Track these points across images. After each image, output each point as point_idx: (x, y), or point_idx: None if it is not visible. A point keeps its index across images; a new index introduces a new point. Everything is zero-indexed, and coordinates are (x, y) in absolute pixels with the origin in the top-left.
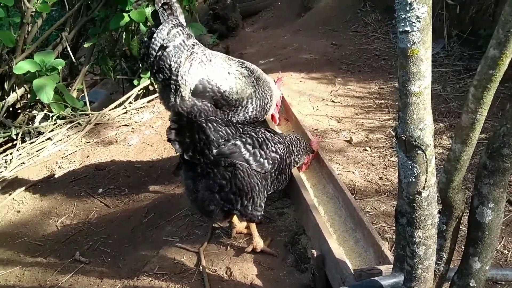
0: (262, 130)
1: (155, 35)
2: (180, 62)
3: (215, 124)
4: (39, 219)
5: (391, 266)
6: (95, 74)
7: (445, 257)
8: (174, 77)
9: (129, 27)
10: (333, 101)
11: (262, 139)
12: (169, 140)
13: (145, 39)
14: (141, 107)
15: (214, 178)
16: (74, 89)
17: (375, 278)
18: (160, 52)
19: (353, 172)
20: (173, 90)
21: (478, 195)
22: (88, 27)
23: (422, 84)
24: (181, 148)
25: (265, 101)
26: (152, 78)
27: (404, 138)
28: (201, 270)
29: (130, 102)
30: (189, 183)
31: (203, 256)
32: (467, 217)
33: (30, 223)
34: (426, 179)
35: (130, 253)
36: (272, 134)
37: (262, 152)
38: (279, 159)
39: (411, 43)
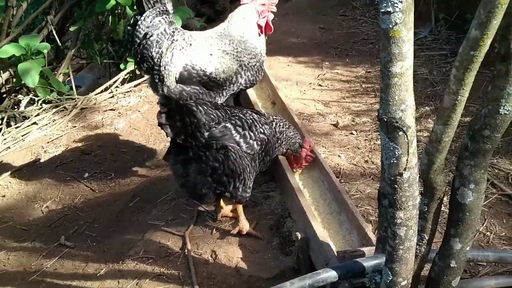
0: (249, 112)
1: (139, 23)
2: (162, 52)
3: (205, 107)
4: (24, 204)
5: (374, 248)
6: (82, 58)
7: (427, 238)
8: (157, 67)
9: (115, 10)
10: (320, 85)
11: (250, 120)
12: (160, 124)
13: (128, 27)
14: (128, 91)
15: (207, 161)
16: (60, 73)
17: (358, 259)
18: (144, 41)
19: (339, 156)
20: (158, 81)
21: (459, 176)
22: (74, 11)
23: (404, 65)
24: (173, 132)
25: (254, 67)
26: (137, 67)
27: (385, 119)
28: (186, 253)
29: (117, 87)
30: (178, 168)
31: (189, 239)
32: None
33: (15, 207)
34: (407, 160)
35: (116, 237)
36: (258, 115)
37: (252, 134)
38: (266, 140)
39: (393, 24)
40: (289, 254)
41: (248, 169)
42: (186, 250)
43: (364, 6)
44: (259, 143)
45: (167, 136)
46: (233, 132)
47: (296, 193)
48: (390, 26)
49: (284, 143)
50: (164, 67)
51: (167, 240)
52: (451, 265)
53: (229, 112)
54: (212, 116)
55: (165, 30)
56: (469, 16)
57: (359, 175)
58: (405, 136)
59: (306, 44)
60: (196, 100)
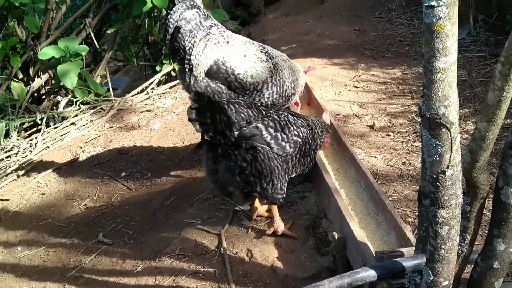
0: (285, 113)
1: (168, 17)
2: (194, 42)
3: (237, 106)
4: (63, 202)
5: (413, 248)
6: (118, 61)
7: (469, 238)
8: (188, 57)
9: (151, 13)
10: (355, 87)
11: (284, 122)
12: (190, 119)
13: (163, 21)
14: (163, 93)
15: (235, 160)
16: (98, 75)
17: (397, 259)
18: (175, 33)
19: (375, 157)
20: (187, 70)
21: (503, 175)
22: (111, 14)
23: (448, 61)
24: (202, 128)
25: (283, 88)
26: (171, 59)
27: (428, 116)
28: (222, 252)
29: (153, 88)
30: (210, 164)
31: (224, 238)
32: (491, 201)
33: (54, 205)
34: (450, 157)
35: (152, 234)
36: (295, 118)
37: (284, 136)
38: (301, 143)
39: (437, 18)
40: (325, 255)
41: (277, 171)
42: (222, 249)
43: (400, 8)
44: (292, 145)
45: (197, 132)
46: (264, 133)
47: (333, 193)
48: (434, 20)
49: (324, 131)
50: (195, 57)
51: (203, 238)
52: (494, 266)
53: (263, 112)
54: (243, 115)
55: (200, 22)
56: (509, 18)
57: (396, 176)
58: (449, 132)
59: (341, 46)
60: (227, 98)
